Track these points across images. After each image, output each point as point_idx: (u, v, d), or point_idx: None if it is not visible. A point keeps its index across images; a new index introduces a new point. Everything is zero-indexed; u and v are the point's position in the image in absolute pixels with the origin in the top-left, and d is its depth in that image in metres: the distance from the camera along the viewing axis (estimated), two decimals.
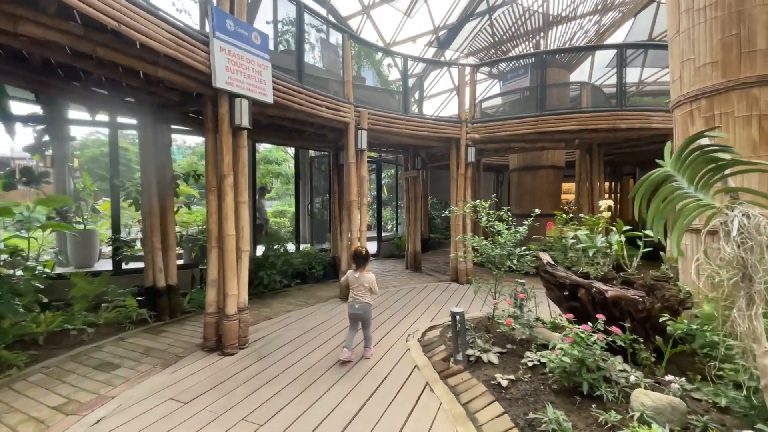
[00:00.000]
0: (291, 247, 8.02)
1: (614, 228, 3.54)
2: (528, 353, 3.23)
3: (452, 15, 10.81)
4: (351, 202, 5.68)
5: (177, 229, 9.85)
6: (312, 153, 10.44)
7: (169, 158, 5.23)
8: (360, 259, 3.75)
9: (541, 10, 9.85)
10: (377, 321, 4.82)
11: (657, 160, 2.17)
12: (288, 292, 6.53)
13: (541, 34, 10.59)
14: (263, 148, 25.32)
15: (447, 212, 4.35)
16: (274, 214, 15.43)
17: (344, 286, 4.89)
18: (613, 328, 2.65)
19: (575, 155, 10.95)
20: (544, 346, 3.38)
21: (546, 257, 3.78)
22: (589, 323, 2.69)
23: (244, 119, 3.87)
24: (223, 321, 3.91)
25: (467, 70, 7.08)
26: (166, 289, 5.12)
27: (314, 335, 4.38)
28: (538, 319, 4.24)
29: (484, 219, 3.99)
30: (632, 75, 13.55)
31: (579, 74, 12.03)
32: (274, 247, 6.70)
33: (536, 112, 6.48)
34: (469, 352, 3.47)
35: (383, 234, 12.04)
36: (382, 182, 13.34)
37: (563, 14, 9.84)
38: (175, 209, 6.00)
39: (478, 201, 4.18)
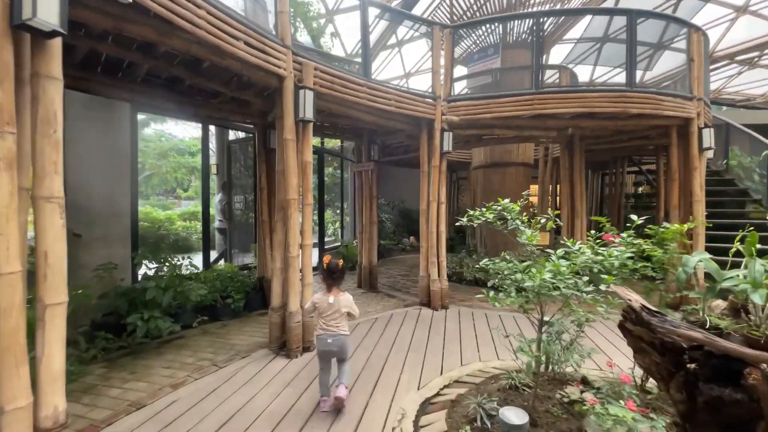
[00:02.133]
0: (200, 262, 5.68)
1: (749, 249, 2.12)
2: None
3: None
4: (288, 201, 3.68)
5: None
6: (232, 135, 8.07)
7: None
8: (335, 276, 2.79)
9: None
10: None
11: None
12: (185, 339, 4.26)
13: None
14: (178, 138, 21.54)
15: (464, 221, 2.59)
16: (184, 217, 12.45)
17: (309, 315, 3.17)
18: None
19: (539, 153, 10.10)
20: None
21: (634, 297, 2.24)
22: None
23: (42, 9, 1.71)
24: None
25: (443, 31, 5.47)
26: None
27: None
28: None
29: (527, 233, 2.33)
30: (584, 73, 13.37)
31: None
32: (154, 271, 4.36)
33: (531, 89, 5.10)
34: None
35: (325, 240, 10.03)
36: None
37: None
38: None
39: (506, 201, 2.52)
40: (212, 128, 11.01)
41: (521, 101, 5.01)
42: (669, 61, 9.55)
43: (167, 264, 4.41)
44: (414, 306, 5.57)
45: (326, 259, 2.82)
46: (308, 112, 3.62)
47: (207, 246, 5.81)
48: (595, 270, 2.11)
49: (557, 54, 11.51)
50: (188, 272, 5.36)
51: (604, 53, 11.99)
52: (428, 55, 11.22)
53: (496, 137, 6.74)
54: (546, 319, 2.50)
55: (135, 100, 4.36)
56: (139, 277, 4.78)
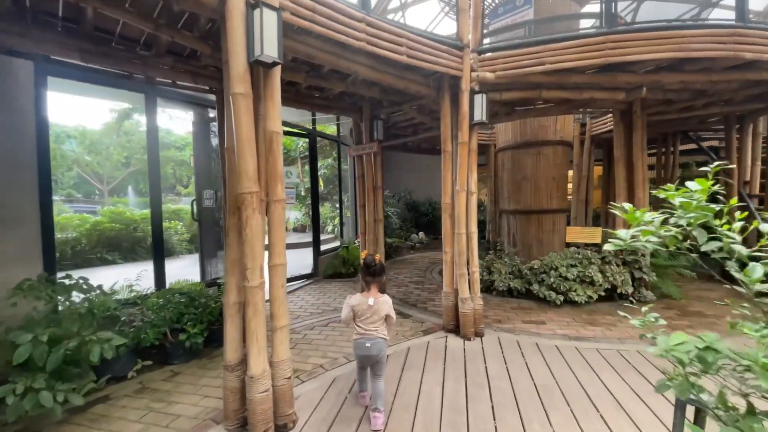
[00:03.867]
0: (152, 279, 4.33)
1: None
2: None
3: None
4: (242, 197, 2.26)
5: None
6: (212, 113, 6.60)
7: None
8: (373, 274, 2.53)
9: None
10: None
11: None
12: (109, 404, 2.87)
13: None
14: (174, 133, 20.25)
15: (616, 244, 1.16)
16: (165, 216, 11.05)
17: (347, 324, 2.58)
18: None
19: (575, 130, 8.57)
20: None
21: None
22: None
23: None
24: None
25: None
26: None
27: None
28: None
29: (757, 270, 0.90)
30: None
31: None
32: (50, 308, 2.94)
33: (600, 28, 3.59)
34: None
35: (321, 238, 8.60)
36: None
37: None
38: None
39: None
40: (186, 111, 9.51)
41: (588, 45, 3.50)
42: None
43: (83, 292, 3.01)
44: (437, 333, 4.17)
45: (363, 254, 2.71)
46: (269, 47, 2.16)
47: (160, 259, 4.43)
48: None
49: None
50: (133, 294, 4.05)
51: (641, 14, 10.39)
52: (438, 20, 9.66)
53: (532, 107, 5.27)
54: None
55: (5, 45, 2.91)
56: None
